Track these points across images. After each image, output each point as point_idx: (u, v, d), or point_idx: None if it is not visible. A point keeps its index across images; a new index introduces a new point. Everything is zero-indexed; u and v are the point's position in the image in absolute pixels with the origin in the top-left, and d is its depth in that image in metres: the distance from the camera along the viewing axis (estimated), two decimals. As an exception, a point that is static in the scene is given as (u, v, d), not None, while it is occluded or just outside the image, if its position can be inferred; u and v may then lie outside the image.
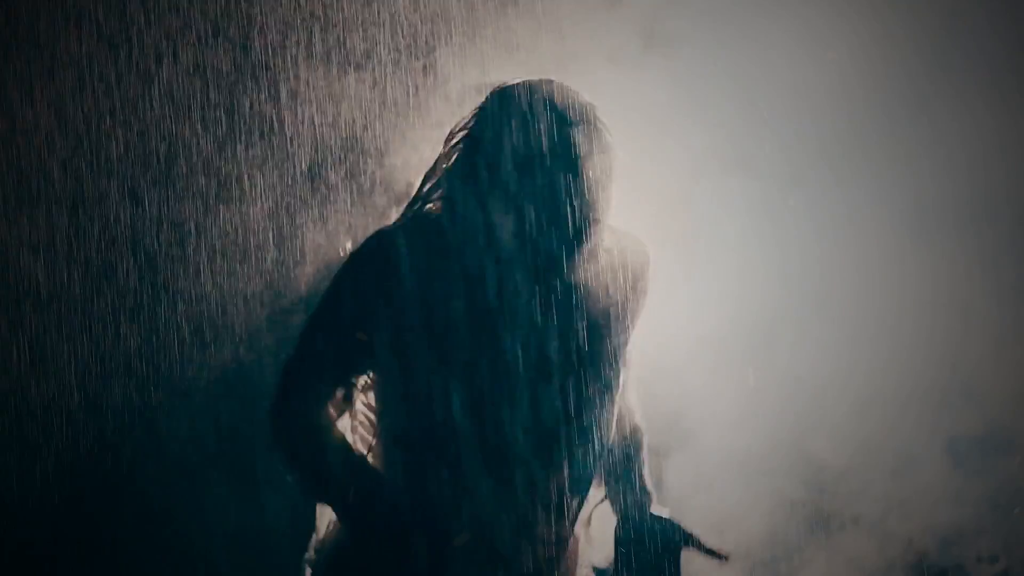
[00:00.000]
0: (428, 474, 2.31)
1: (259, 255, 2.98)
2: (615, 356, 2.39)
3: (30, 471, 2.90)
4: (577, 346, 2.33)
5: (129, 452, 2.91)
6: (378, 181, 3.01)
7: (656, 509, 2.47)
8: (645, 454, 2.54)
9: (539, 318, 2.29)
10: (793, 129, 3.23)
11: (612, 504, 2.52)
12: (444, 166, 2.34)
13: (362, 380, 2.40)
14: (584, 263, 2.28)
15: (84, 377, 2.91)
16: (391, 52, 3.06)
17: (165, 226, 2.92)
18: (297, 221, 2.98)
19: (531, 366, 2.31)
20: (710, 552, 2.44)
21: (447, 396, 2.29)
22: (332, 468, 2.31)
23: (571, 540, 2.47)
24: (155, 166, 2.91)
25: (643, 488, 2.50)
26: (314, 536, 2.46)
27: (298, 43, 2.99)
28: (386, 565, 2.27)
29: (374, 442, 2.39)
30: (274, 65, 2.96)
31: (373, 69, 3.04)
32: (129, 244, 2.93)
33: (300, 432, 2.32)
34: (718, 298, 2.84)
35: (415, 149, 2.96)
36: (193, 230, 2.93)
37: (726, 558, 2.43)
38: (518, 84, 2.28)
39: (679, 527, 2.45)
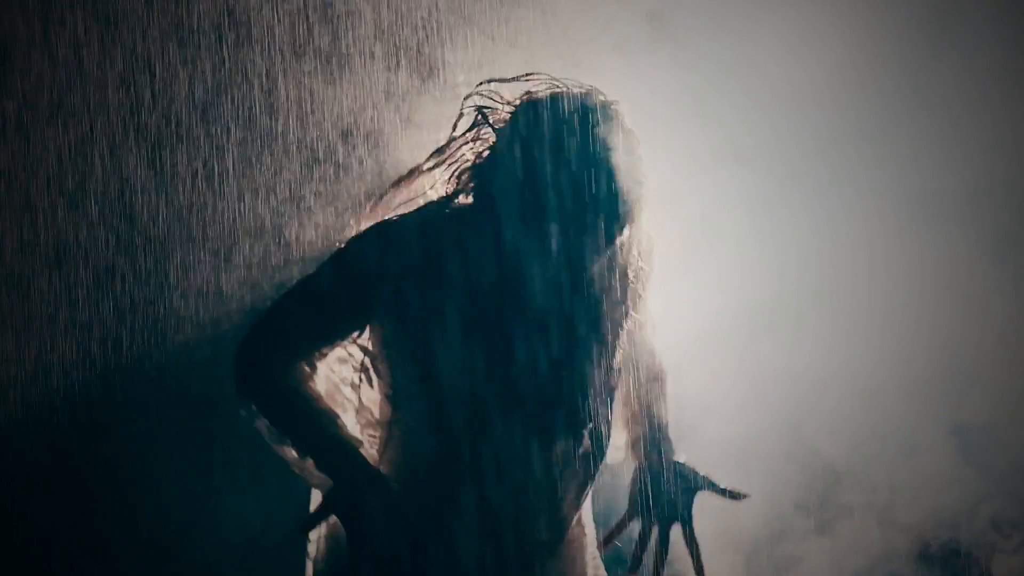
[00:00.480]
0: (435, 448, 2.34)
1: (249, 252, 2.97)
2: (619, 335, 2.43)
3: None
4: (590, 331, 2.36)
5: (125, 455, 2.91)
6: (375, 176, 3.00)
7: (675, 457, 2.53)
8: (667, 399, 2.57)
9: (564, 307, 2.32)
10: (794, 120, 3.23)
11: (632, 448, 2.56)
12: (469, 159, 2.36)
13: (347, 349, 2.42)
14: (612, 257, 2.31)
15: (74, 375, 2.91)
16: (390, 43, 3.05)
17: (155, 223, 2.92)
18: (287, 218, 2.98)
19: (547, 354, 2.34)
20: (728, 493, 2.50)
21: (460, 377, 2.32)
22: (295, 422, 2.32)
23: (575, 521, 2.49)
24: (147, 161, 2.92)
25: (664, 434, 2.54)
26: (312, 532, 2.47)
27: (294, 36, 2.98)
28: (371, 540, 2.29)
29: (382, 419, 2.41)
30: (270, 59, 2.96)
31: (372, 61, 3.03)
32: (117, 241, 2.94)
33: (262, 380, 2.34)
34: (718, 290, 2.85)
35: (413, 143, 2.96)
36: (182, 226, 2.92)
37: (744, 497, 2.50)
38: (551, 86, 2.30)
39: (695, 472, 2.51)
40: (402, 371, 2.39)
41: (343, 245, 2.38)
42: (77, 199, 2.92)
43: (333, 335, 2.39)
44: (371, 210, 2.48)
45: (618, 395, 2.48)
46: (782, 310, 3.21)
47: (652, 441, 2.53)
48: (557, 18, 3.13)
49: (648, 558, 2.49)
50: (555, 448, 2.44)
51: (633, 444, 2.56)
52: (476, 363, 2.34)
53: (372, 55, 3.04)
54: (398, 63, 3.05)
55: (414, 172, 2.44)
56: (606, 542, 2.54)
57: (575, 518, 2.52)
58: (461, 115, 2.40)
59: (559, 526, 2.47)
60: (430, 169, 2.42)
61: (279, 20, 2.96)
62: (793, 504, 3.41)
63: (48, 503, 2.90)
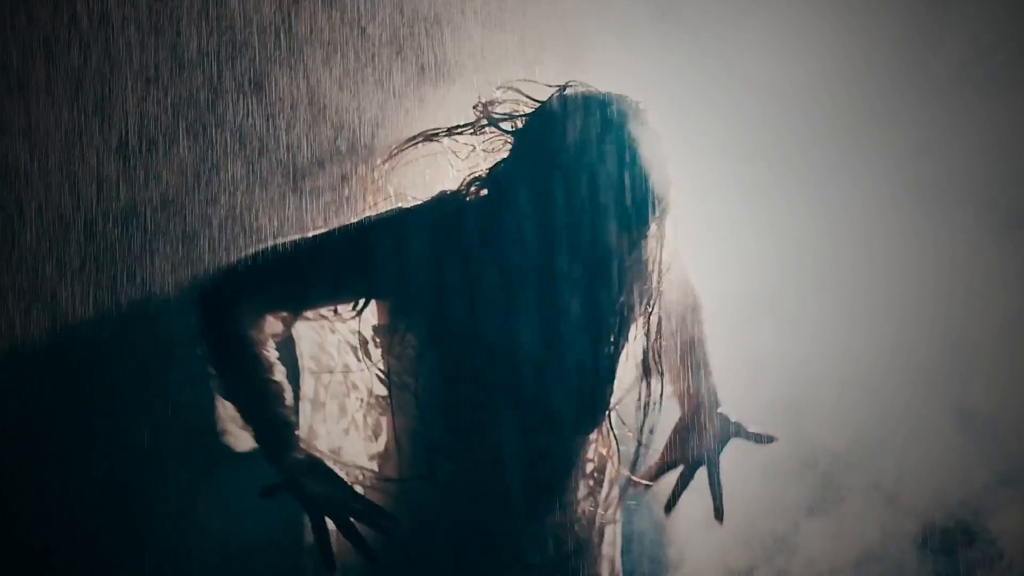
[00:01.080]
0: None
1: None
2: (631, 328, 2.44)
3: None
4: (601, 323, 2.38)
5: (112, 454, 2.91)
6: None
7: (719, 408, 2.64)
8: (704, 335, 2.65)
9: (580, 301, 2.35)
10: (791, 110, 3.24)
11: (679, 399, 2.66)
12: (489, 147, 2.37)
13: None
14: (638, 250, 2.32)
15: (65, 373, 2.90)
16: (383, 33, 3.03)
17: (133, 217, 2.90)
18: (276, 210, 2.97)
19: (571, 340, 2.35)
20: (758, 438, 2.63)
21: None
22: (243, 386, 2.37)
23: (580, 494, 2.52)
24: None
25: (707, 383, 2.65)
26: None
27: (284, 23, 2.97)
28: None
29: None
30: (261, 47, 2.95)
31: (365, 52, 3.02)
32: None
33: (225, 323, 2.37)
34: (718, 281, 2.86)
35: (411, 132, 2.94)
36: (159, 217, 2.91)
37: (772, 440, 2.64)
38: (571, 89, 2.34)
39: (729, 420, 2.64)
40: (395, 357, 2.41)
41: (357, 220, 2.39)
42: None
43: (317, 299, 2.41)
44: (384, 163, 2.49)
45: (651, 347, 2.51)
46: (782, 299, 3.22)
47: (696, 392, 2.62)
48: (558, 6, 3.12)
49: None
50: (559, 439, 2.45)
51: (680, 396, 2.63)
52: (476, 358, 2.36)
53: (367, 44, 3.02)
54: (394, 50, 3.04)
55: (428, 135, 2.45)
56: (640, 480, 2.63)
57: (580, 493, 2.54)
58: (483, 108, 2.41)
59: (560, 507, 2.49)
60: (447, 137, 2.43)
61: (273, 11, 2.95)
62: (795, 491, 3.42)
63: (41, 503, 2.91)
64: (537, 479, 2.45)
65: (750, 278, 3.11)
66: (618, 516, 2.67)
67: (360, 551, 2.35)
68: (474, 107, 2.44)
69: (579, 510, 2.56)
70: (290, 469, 2.33)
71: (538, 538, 2.50)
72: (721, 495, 2.63)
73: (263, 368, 2.38)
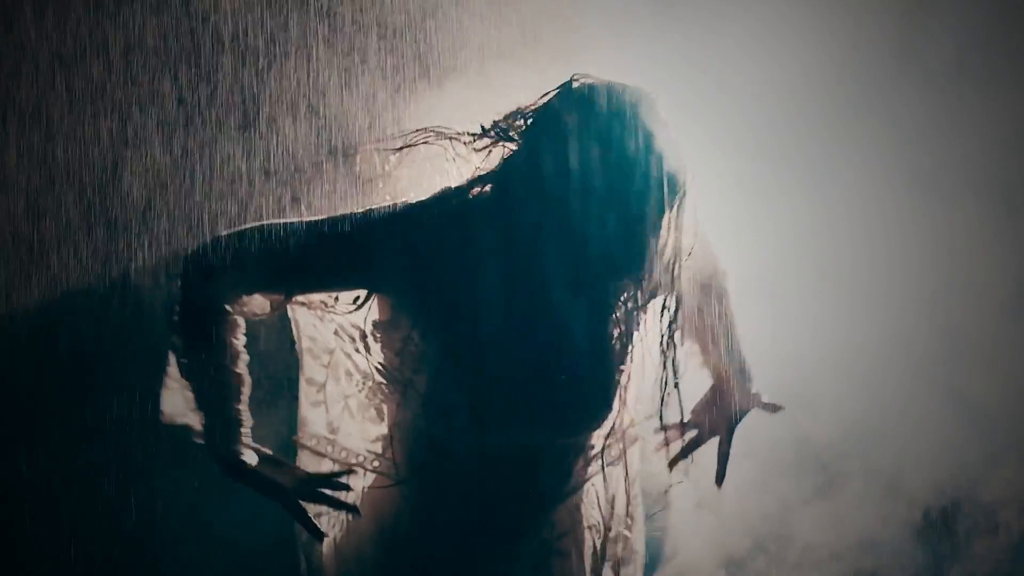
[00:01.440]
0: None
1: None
2: (638, 323, 2.47)
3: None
4: (606, 317, 2.39)
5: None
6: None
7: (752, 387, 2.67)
8: (729, 306, 2.69)
9: (590, 293, 2.36)
10: (787, 103, 3.24)
11: (710, 369, 2.69)
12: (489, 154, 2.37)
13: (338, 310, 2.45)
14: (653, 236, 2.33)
15: (66, 373, 2.90)
16: (383, 29, 3.02)
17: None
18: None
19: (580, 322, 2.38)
20: (769, 406, 2.67)
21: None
22: (206, 361, 2.36)
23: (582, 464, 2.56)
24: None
25: (736, 357, 2.68)
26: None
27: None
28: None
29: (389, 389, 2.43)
30: (262, 43, 2.94)
31: (364, 47, 3.01)
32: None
33: (207, 293, 2.36)
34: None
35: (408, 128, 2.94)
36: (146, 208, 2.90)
37: (780, 409, 2.67)
38: (578, 82, 2.33)
39: (750, 391, 2.67)
40: (396, 353, 2.41)
41: (360, 212, 2.40)
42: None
43: (310, 285, 2.41)
44: (392, 154, 2.50)
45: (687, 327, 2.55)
46: (781, 290, 3.23)
47: (723, 365, 2.66)
48: (558, 3, 3.11)
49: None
50: (565, 435, 2.47)
51: (710, 368, 2.67)
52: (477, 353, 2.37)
53: (367, 40, 3.02)
54: (393, 46, 3.03)
55: (436, 130, 2.45)
56: (665, 443, 2.66)
57: (589, 485, 2.56)
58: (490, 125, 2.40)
59: (559, 498, 2.51)
60: (450, 140, 2.43)
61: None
62: (793, 479, 3.44)
63: (39, 504, 2.92)
64: (542, 476, 2.46)
65: (749, 270, 3.11)
66: (637, 501, 2.68)
67: (341, 509, 2.37)
68: (482, 126, 2.43)
69: (589, 502, 2.58)
70: (227, 462, 2.34)
71: (543, 533, 2.52)
72: (726, 461, 2.64)
73: (228, 356, 2.37)
